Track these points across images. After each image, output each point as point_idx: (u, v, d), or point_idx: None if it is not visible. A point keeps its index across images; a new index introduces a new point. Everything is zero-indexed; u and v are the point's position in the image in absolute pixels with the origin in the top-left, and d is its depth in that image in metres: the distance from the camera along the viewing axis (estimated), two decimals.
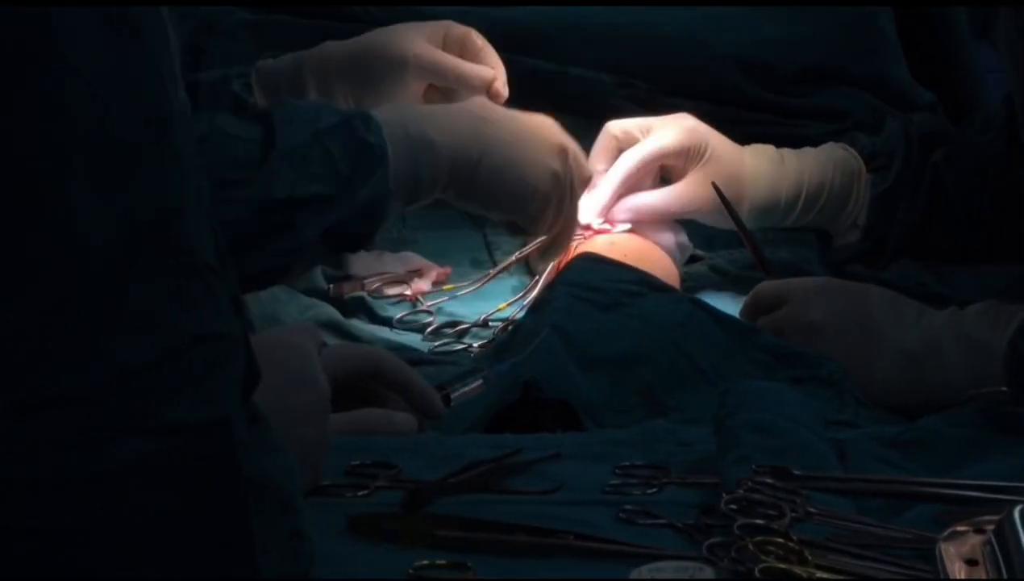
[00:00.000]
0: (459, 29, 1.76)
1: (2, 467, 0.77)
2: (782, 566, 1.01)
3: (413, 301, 1.78)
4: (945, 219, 1.79)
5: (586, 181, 1.67)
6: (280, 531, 0.88)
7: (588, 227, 1.76)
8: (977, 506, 1.11)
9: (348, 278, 1.80)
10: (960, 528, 1.03)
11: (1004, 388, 1.36)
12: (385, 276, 1.81)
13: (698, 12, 2.13)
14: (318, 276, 1.77)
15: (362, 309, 1.77)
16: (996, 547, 1.00)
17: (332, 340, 1.64)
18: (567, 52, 2.08)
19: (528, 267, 1.83)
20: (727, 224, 1.76)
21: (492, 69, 1.74)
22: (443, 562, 1.06)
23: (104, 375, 0.78)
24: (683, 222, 1.81)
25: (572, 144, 1.64)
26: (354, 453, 1.24)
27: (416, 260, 1.84)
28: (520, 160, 1.58)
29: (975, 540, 1.02)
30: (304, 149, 1.48)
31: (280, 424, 0.91)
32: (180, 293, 0.81)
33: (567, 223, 1.64)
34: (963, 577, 1.00)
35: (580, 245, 1.73)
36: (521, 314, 1.68)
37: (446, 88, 1.74)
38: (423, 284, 1.80)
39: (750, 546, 1.02)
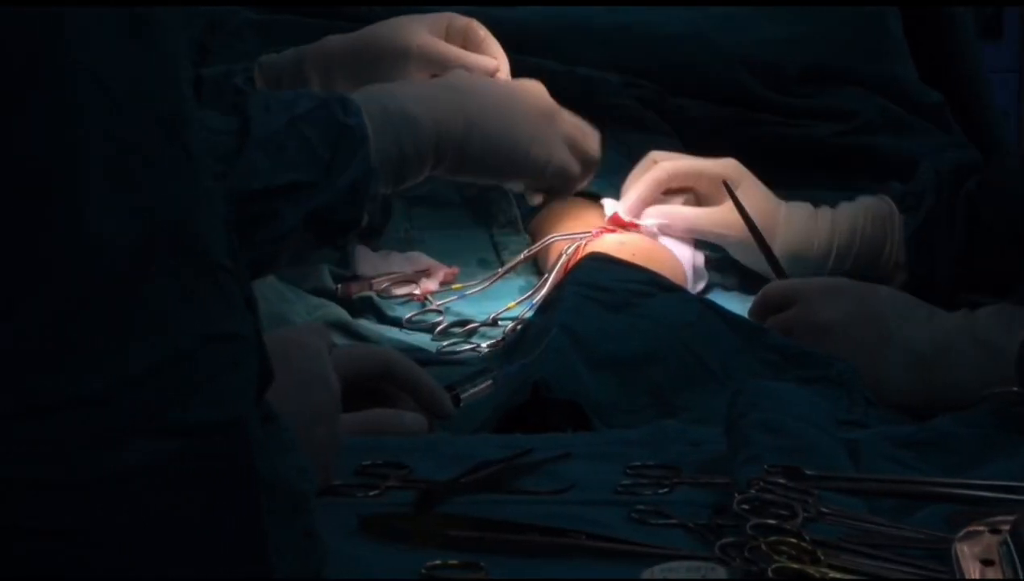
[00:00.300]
0: (461, 20, 1.75)
1: (17, 468, 0.77)
2: (795, 566, 1.00)
3: (422, 301, 1.78)
4: (989, 248, 1.77)
5: (583, 134, 1.67)
6: (293, 531, 0.88)
7: (616, 219, 1.76)
8: (989, 506, 1.11)
9: (356, 278, 1.79)
10: (975, 528, 1.03)
11: (1016, 389, 1.36)
12: (393, 276, 1.80)
13: (704, 12, 2.13)
14: (326, 276, 1.77)
15: (370, 309, 1.76)
16: (1012, 547, 0.99)
17: (341, 340, 1.64)
18: (573, 52, 2.08)
19: (536, 267, 1.83)
20: (750, 258, 1.76)
21: (495, 59, 1.74)
22: (455, 562, 1.06)
23: (118, 376, 0.78)
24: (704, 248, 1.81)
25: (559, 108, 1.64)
26: (365, 453, 1.24)
27: (423, 260, 1.84)
28: (510, 125, 1.58)
29: (991, 540, 1.02)
30: (280, 137, 1.47)
31: (292, 424, 0.91)
32: (194, 293, 0.81)
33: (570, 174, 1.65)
34: (979, 577, 0.99)
35: (589, 244, 1.73)
36: (530, 313, 1.68)
37: None
38: (431, 284, 1.80)
39: (763, 546, 1.02)
